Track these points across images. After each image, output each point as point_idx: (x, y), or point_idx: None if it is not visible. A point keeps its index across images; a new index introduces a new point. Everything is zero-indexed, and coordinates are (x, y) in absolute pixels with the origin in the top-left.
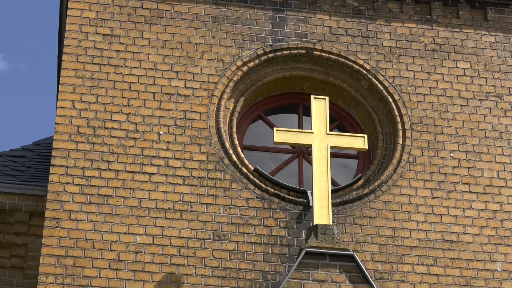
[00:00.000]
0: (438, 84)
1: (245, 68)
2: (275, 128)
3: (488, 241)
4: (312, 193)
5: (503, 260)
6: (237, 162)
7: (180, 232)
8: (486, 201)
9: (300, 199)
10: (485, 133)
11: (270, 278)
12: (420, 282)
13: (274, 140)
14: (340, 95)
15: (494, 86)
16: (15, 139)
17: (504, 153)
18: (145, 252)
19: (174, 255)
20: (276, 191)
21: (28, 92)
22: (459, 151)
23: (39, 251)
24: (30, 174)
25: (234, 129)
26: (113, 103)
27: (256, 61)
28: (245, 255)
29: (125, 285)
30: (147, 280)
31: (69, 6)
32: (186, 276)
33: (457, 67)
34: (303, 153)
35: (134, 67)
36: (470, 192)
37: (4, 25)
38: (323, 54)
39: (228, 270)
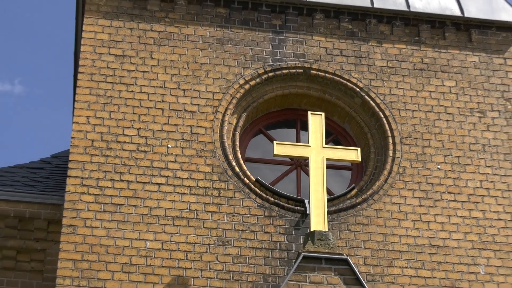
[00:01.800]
0: (425, 101)
1: (247, 86)
2: (275, 142)
3: (472, 246)
4: (309, 202)
5: (486, 264)
6: (240, 173)
7: (187, 238)
8: (470, 209)
9: (298, 208)
10: (469, 146)
11: (270, 281)
12: (409, 284)
13: (274, 153)
14: (335, 111)
15: (478, 102)
16: (35, 152)
17: (487, 165)
18: (154, 257)
19: (182, 259)
20: (276, 200)
21: (46, 109)
22: (445, 163)
23: (57, 255)
24: (48, 184)
25: (237, 143)
26: (124, 119)
27: (257, 80)
28: (247, 259)
29: (137, 286)
30: (156, 282)
31: (84, 29)
32: (192, 279)
33: (443, 85)
34: (301, 164)
35: (144, 85)
36: (455, 200)
37: (20, 50)
38: (319, 73)
39: (232, 273)
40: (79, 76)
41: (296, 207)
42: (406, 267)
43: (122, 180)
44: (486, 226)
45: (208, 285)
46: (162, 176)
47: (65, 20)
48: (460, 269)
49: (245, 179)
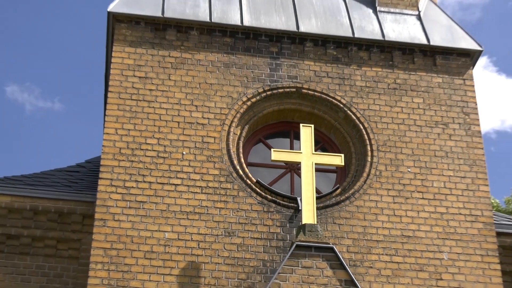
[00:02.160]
0: (398, 115)
1: (249, 103)
2: (272, 149)
3: (437, 236)
4: (301, 199)
5: (449, 251)
6: (243, 175)
7: (199, 230)
8: (435, 205)
9: (292, 204)
10: (435, 153)
11: (268, 266)
12: (385, 268)
13: (272, 159)
14: (323, 124)
15: (442, 116)
16: (72, 158)
17: (449, 168)
18: (171, 246)
19: (194, 247)
20: (273, 198)
21: (81, 122)
22: (415, 166)
23: (90, 244)
24: (83, 185)
25: (241, 150)
26: (147, 130)
27: (257, 97)
28: (249, 247)
29: (157, 271)
30: (173, 267)
31: (113, 55)
32: (203, 264)
33: (412, 101)
34: (294, 168)
35: (163, 102)
36: (423, 198)
37: (59, 73)
38: (309, 92)
39: (236, 259)
40: (109, 94)
41: (290, 204)
42: (382, 254)
43: (144, 181)
44: (449, 219)
45: (217, 269)
46: (178, 178)
47: (98, 47)
48: (427, 256)
49: (247, 180)
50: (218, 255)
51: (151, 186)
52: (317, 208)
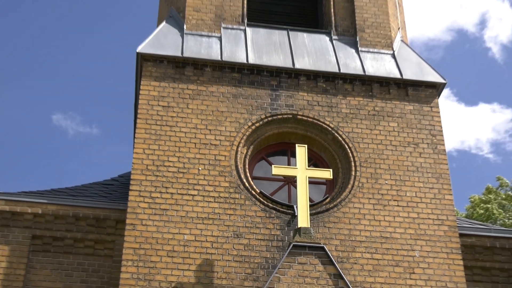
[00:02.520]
0: (376, 137)
1: (253, 127)
2: (272, 165)
3: (410, 237)
4: (296, 207)
5: (420, 250)
6: (249, 187)
7: (212, 232)
8: (408, 211)
9: (289, 211)
10: (407, 168)
11: (270, 262)
12: (366, 264)
13: (272, 173)
14: (314, 144)
15: (413, 137)
16: (107, 173)
17: (419, 181)
18: (190, 246)
19: (209, 247)
20: (274, 206)
21: (114, 143)
22: (391, 179)
23: (122, 245)
24: (116, 195)
25: (247, 166)
26: (169, 150)
27: (260, 123)
28: (254, 247)
29: (177, 267)
30: (191, 263)
31: (141, 88)
32: (216, 261)
33: (389, 125)
34: (291, 181)
35: (182, 127)
36: (398, 205)
37: (96, 102)
38: (303, 117)
39: (243, 257)
40: (138, 120)
41: (288, 211)
42: (365, 252)
43: (167, 192)
44: (420, 223)
45: (227, 266)
46: (195, 190)
47: (129, 81)
48: (402, 254)
49: (252, 191)
50: (228, 254)
51: (173, 196)
52: (310, 214)
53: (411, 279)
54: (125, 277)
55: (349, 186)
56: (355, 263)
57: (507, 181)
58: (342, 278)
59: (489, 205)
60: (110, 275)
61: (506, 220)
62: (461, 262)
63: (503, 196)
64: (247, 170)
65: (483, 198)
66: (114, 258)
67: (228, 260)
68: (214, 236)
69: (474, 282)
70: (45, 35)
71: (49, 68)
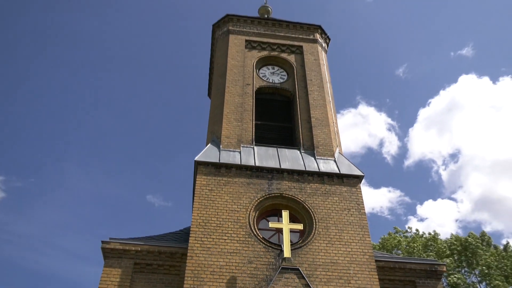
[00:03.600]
0: (326, 206)
1: (258, 201)
2: (270, 222)
3: (347, 262)
4: (283, 245)
5: (353, 269)
6: (256, 234)
7: (236, 260)
8: (346, 247)
9: (279, 248)
10: (344, 223)
11: (268, 277)
12: (323, 278)
13: (270, 226)
14: (292, 210)
15: (347, 206)
16: (176, 227)
17: (351, 230)
18: (223, 268)
19: (233, 269)
20: (270, 245)
21: (181, 212)
22: (335, 229)
23: (185, 268)
24: (182, 240)
25: (255, 222)
26: (211, 214)
27: (262, 198)
28: (259, 269)
29: (216, 280)
30: (224, 278)
31: (196, 180)
32: (237, 277)
33: (333, 199)
34: (280, 231)
35: (219, 201)
36: (339, 244)
37: (176, 187)
38: (286, 195)
39: (253, 274)
40: (195, 198)
41: (278, 248)
42: (322, 271)
43: (210, 238)
44: (353, 254)
45: (244, 279)
46: (226, 236)
47: (189, 176)
48: (343, 272)
49: (258, 237)
50: (245, 273)
51: (213, 240)
52: (291, 249)
53: (349, 286)
54: (187, 287)
55: (312, 233)
56: (316, 278)
57: (400, 229)
58: (309, 286)
59: (395, 241)
60: (178, 285)
61: (400, 252)
62: (377, 277)
63: (401, 238)
64: (255, 225)
65: (388, 237)
66: (180, 276)
67: (245, 276)
68: (237, 262)
69: None
70: (150, 152)
71: (151, 170)
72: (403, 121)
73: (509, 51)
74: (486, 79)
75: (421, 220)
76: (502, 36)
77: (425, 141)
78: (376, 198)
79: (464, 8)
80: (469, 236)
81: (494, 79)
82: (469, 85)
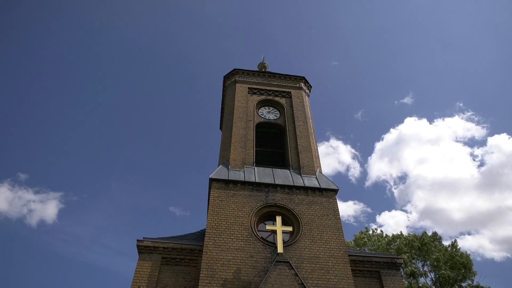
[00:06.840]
0: (310, 212)
1: (258, 209)
2: (266, 225)
3: (327, 256)
4: (277, 243)
5: (331, 262)
6: (256, 235)
7: (240, 255)
8: (325, 245)
9: (274, 245)
10: (323, 225)
11: (265, 269)
12: (308, 269)
13: (266, 228)
14: (284, 215)
15: (326, 212)
16: (194, 229)
17: (329, 231)
18: (230, 261)
19: (239, 262)
20: (267, 244)
21: (196, 217)
22: (317, 231)
23: (201, 261)
24: (199, 239)
25: (255, 226)
26: (221, 219)
27: (261, 207)
28: (259, 262)
29: (225, 270)
30: (231, 269)
31: (210, 193)
32: (241, 268)
33: (315, 207)
34: (274, 232)
35: (227, 209)
36: (320, 242)
37: (193, 202)
38: (279, 205)
39: (254, 266)
40: (209, 207)
41: (273, 245)
42: (307, 263)
43: (221, 237)
44: (331, 250)
45: (247, 270)
46: (233, 236)
47: (205, 191)
48: (323, 263)
49: (258, 237)
50: (247, 265)
51: (224, 239)
52: (283, 246)
53: (328, 278)
54: (203, 276)
55: (299, 234)
56: (303, 269)
57: (369, 228)
58: (297, 275)
59: (365, 239)
60: (195, 275)
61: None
62: (350, 268)
63: (370, 236)
64: (256, 227)
65: (359, 236)
66: (197, 267)
67: (247, 268)
68: (241, 257)
69: (355, 277)
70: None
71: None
72: (364, 152)
73: (440, 99)
74: (424, 120)
75: (380, 226)
76: (434, 87)
77: (380, 167)
78: (344, 209)
79: (406, 65)
80: (423, 235)
81: (430, 120)
82: (412, 125)
